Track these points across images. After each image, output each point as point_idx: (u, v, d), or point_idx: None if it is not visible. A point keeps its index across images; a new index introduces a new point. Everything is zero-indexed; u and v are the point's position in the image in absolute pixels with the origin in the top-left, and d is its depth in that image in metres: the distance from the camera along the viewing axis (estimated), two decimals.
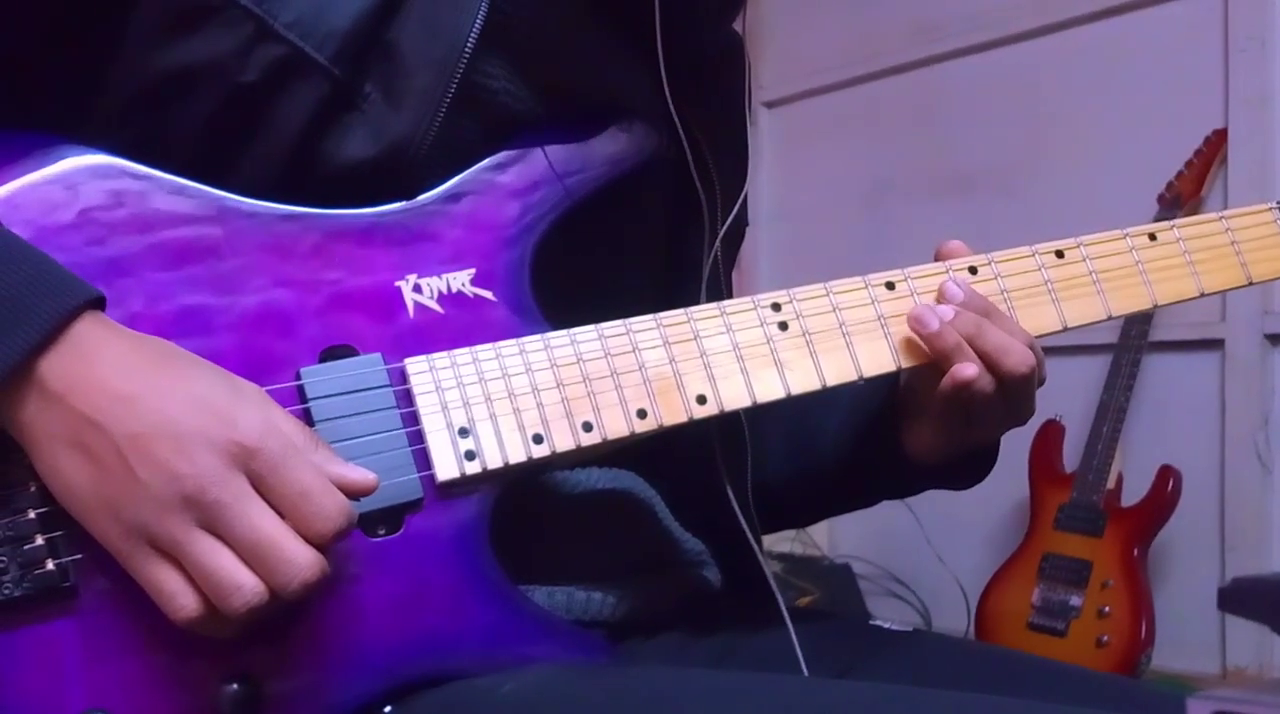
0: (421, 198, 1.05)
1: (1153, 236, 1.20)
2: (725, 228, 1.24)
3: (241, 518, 0.84)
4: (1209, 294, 1.20)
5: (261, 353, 0.97)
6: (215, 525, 0.84)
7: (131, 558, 0.86)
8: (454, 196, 1.07)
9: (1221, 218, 1.22)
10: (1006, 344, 1.09)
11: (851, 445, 1.27)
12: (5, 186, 0.95)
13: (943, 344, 1.09)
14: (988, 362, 1.09)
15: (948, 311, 1.09)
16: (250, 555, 0.85)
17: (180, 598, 0.85)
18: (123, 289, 0.95)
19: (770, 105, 4.50)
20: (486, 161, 1.08)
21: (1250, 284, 1.22)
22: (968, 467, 1.24)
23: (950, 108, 4.01)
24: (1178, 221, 1.21)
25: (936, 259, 1.16)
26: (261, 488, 0.86)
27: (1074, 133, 3.69)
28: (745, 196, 1.30)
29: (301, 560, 0.85)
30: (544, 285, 1.08)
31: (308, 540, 0.87)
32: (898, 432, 1.21)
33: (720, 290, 1.25)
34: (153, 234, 0.97)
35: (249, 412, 0.87)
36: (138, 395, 0.85)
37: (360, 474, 0.90)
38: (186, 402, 0.86)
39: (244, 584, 0.84)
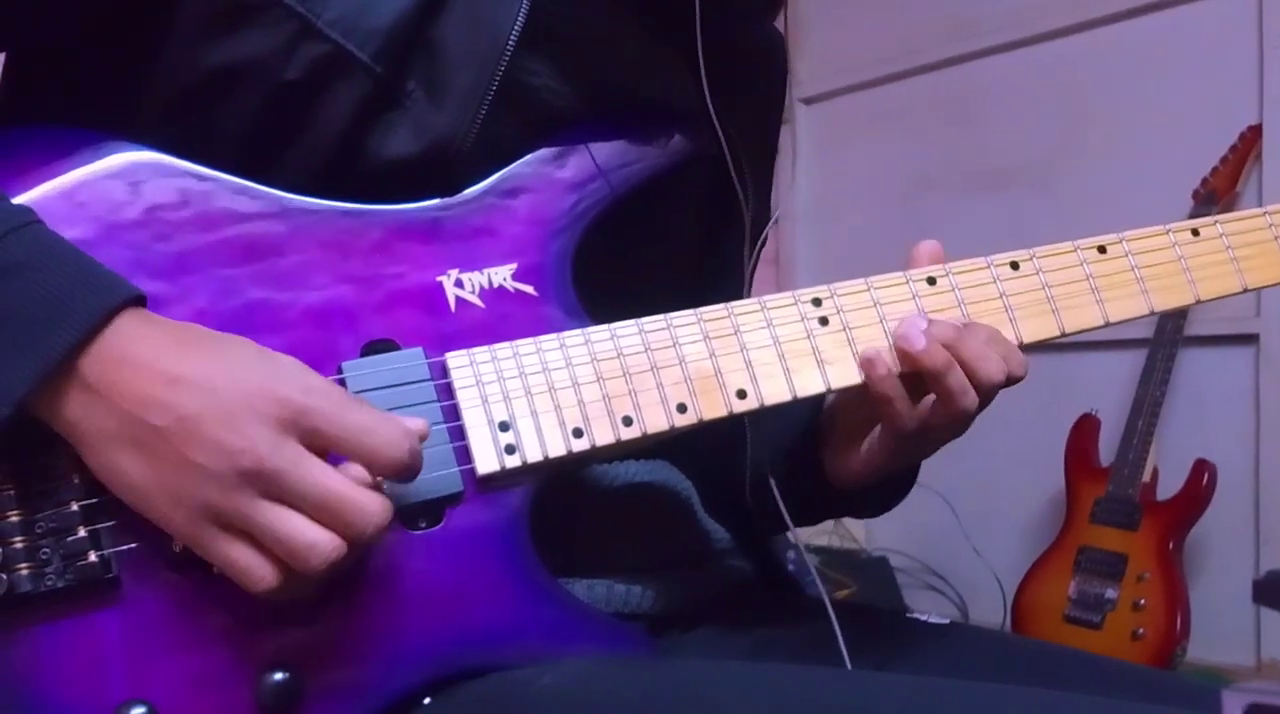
0: (472, 191, 1.06)
1: (1195, 232, 1.18)
2: (767, 228, 1.25)
3: (304, 478, 0.85)
4: (1252, 290, 1.19)
5: (305, 347, 0.97)
6: (279, 492, 0.85)
7: (201, 541, 0.86)
8: (511, 191, 1.07)
9: (1266, 213, 1.21)
10: (982, 351, 1.07)
11: (769, 460, 1.23)
12: (59, 181, 0.95)
13: (931, 362, 1.06)
14: (968, 369, 1.07)
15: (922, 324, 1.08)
16: (321, 512, 0.85)
17: (257, 570, 0.86)
18: (187, 286, 0.96)
19: (808, 102, 4.49)
20: (538, 155, 1.09)
21: None
22: (890, 490, 1.23)
23: (986, 104, 4.00)
24: (1220, 217, 1.20)
25: (910, 264, 1.14)
26: (322, 441, 0.87)
27: (1109, 129, 3.68)
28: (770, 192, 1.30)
29: (373, 506, 0.87)
30: (582, 282, 1.08)
31: (384, 471, 0.88)
32: (820, 452, 1.20)
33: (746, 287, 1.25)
34: (217, 231, 0.98)
35: (288, 376, 0.88)
36: (179, 380, 0.85)
37: (410, 419, 0.92)
38: (227, 378, 0.86)
39: (318, 541, 0.85)
